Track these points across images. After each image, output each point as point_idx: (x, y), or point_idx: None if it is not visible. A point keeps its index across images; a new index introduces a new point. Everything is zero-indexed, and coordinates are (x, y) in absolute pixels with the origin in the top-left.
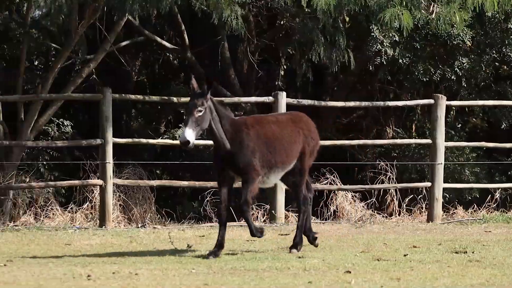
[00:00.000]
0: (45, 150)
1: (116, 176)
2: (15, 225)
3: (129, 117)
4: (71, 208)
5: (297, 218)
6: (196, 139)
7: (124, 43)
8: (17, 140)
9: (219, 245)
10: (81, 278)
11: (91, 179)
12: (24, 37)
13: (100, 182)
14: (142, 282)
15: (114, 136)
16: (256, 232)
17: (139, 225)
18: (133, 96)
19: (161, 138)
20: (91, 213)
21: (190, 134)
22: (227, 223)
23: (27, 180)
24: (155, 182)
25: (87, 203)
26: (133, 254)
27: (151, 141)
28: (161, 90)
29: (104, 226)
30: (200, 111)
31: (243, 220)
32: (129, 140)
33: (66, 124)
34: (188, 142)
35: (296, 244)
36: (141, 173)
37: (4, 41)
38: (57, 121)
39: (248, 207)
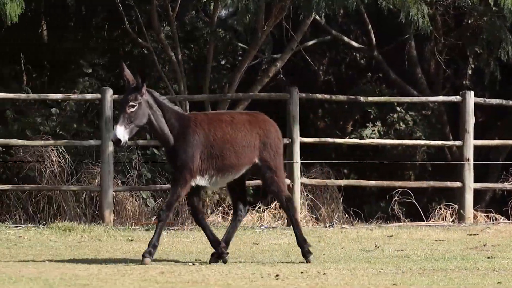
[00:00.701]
0: None
1: (303, 176)
2: None
3: (316, 117)
4: (259, 208)
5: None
6: (130, 136)
7: (310, 43)
8: None
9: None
10: (269, 277)
11: None
12: (211, 36)
13: (287, 181)
14: (330, 281)
15: (301, 135)
16: (149, 252)
17: (327, 225)
18: (319, 96)
19: (348, 138)
20: (279, 212)
21: (121, 132)
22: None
23: None
24: (342, 182)
25: (274, 203)
26: (321, 253)
27: (337, 140)
28: (348, 89)
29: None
30: (133, 106)
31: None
32: (316, 139)
33: None
34: (119, 140)
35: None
36: (328, 172)
37: (191, 40)
38: None
39: (167, 213)
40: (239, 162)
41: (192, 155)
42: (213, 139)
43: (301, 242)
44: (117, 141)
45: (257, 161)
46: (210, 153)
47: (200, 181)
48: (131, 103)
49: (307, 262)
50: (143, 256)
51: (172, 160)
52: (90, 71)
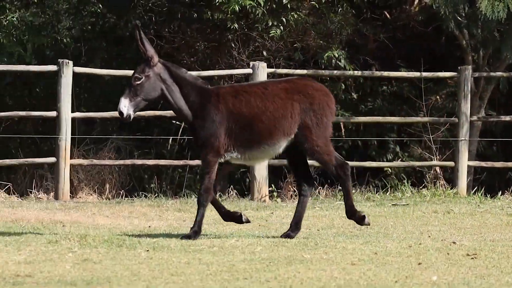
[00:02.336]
0: None
1: None
2: None
3: None
4: None
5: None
6: (137, 110)
7: None
8: None
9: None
10: None
11: None
12: None
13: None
14: None
15: None
16: (194, 234)
17: None
18: None
19: None
20: None
21: (124, 105)
22: None
23: None
24: None
25: None
26: None
27: None
28: None
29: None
30: (138, 78)
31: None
32: None
33: None
34: (122, 113)
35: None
36: None
37: None
38: None
39: (206, 198)
40: (273, 135)
41: (214, 132)
42: (238, 113)
43: (351, 213)
44: (120, 114)
45: (297, 130)
46: (236, 129)
47: (229, 157)
48: (136, 75)
49: (366, 225)
50: (183, 236)
51: (194, 138)
52: None
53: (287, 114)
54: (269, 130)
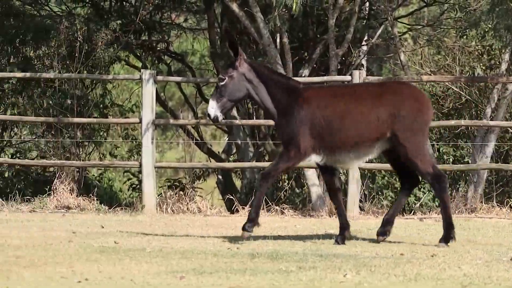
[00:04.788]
0: None
1: None
2: None
3: None
4: None
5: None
6: (225, 111)
7: None
8: None
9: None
10: None
11: None
12: None
13: None
14: None
15: None
16: (249, 226)
17: None
18: None
19: None
20: None
21: (212, 106)
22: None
23: None
24: None
25: None
26: None
27: None
28: None
29: None
30: (222, 79)
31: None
32: None
33: None
34: (209, 115)
35: (445, 238)
36: None
37: None
38: None
39: (266, 180)
40: (357, 138)
41: (297, 131)
42: (323, 115)
43: (447, 225)
44: (208, 116)
45: (388, 135)
46: (320, 130)
47: (315, 159)
48: (220, 76)
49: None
50: (242, 229)
51: (279, 135)
52: None
53: (372, 118)
54: (352, 133)
